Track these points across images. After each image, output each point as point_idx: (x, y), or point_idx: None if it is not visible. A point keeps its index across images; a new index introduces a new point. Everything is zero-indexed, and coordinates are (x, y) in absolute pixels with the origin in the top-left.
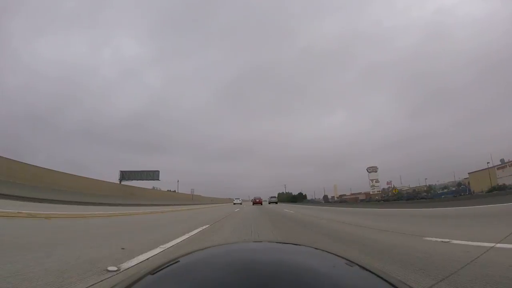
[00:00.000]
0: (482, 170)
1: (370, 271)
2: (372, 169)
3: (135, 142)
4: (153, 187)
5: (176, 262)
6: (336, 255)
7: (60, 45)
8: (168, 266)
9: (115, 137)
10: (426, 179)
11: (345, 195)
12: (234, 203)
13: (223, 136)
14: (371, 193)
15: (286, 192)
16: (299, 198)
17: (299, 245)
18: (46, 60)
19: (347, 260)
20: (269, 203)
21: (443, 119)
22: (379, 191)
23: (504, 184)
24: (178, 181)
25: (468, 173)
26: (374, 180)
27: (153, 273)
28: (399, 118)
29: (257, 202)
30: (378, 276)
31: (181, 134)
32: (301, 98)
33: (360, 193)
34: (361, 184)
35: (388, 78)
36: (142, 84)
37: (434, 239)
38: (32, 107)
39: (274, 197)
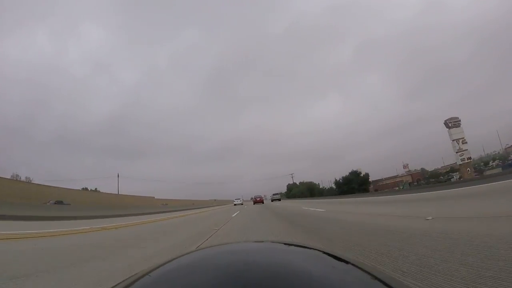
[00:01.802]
0: None
1: (371, 274)
2: (453, 123)
3: (114, 147)
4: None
5: (175, 262)
6: (339, 257)
7: (21, 43)
8: (166, 267)
9: (93, 144)
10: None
11: (381, 180)
12: (235, 204)
13: (210, 136)
14: (459, 163)
15: (300, 183)
16: (359, 184)
17: (303, 246)
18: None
19: (350, 262)
20: (272, 201)
21: (443, 99)
22: (469, 158)
23: None
24: (118, 175)
25: None
26: (461, 141)
27: (151, 274)
28: (398, 101)
29: (258, 201)
30: (379, 279)
31: (164, 136)
32: (291, 84)
33: (396, 176)
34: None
35: (385, 56)
36: (115, 83)
37: None
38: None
39: (277, 194)
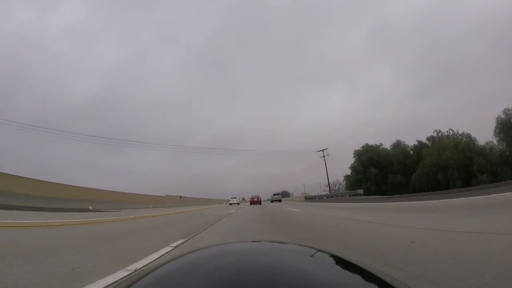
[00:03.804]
0: None
1: (370, 273)
2: None
3: (95, 136)
4: None
5: (174, 262)
6: (339, 257)
7: None
8: (165, 267)
9: (69, 130)
10: None
11: None
12: (231, 204)
13: (199, 128)
14: None
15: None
16: None
17: (301, 245)
18: None
19: (350, 262)
20: (271, 202)
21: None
22: None
23: None
24: None
25: None
26: None
27: (149, 275)
28: (411, 100)
29: (255, 201)
30: (378, 277)
31: (150, 127)
32: (293, 72)
33: None
34: None
35: (402, 42)
36: (96, 60)
37: None
38: None
39: (278, 194)
